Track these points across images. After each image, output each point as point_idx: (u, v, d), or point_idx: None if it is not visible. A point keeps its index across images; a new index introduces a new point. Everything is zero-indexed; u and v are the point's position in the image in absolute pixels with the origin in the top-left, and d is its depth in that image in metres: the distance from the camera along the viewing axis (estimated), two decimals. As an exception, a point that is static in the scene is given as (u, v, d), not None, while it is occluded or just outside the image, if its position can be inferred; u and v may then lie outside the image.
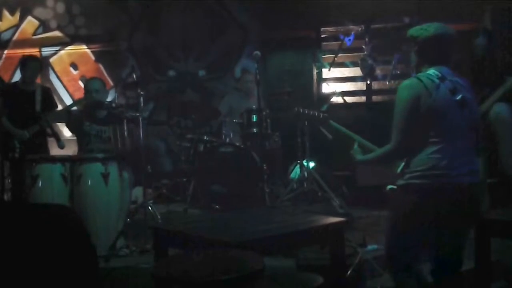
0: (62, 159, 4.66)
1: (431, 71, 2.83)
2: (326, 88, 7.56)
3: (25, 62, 5.71)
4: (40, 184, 4.49)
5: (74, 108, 5.86)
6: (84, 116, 5.19)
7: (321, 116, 4.08)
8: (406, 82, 2.87)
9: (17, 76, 8.01)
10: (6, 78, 7.75)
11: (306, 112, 4.10)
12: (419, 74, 2.86)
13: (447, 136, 2.76)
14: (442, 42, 2.86)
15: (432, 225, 2.79)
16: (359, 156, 3.26)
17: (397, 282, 3.03)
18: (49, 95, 5.85)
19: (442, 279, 2.94)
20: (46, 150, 5.71)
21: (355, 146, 3.37)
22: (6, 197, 6.08)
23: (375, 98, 7.43)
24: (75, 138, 5.36)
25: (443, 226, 2.79)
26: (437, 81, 2.78)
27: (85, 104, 5.24)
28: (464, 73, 4.76)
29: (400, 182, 2.85)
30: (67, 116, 5.48)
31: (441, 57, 2.87)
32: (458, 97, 2.78)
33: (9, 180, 6.61)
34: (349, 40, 7.12)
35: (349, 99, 7.43)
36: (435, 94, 2.74)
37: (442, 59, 2.87)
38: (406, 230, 2.86)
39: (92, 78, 5.56)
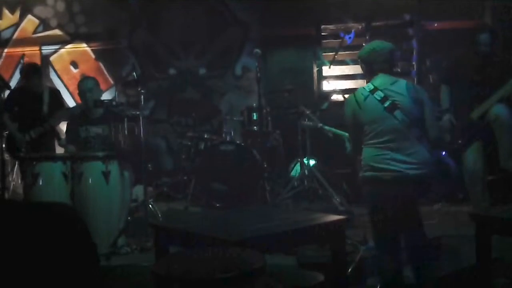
0: (63, 158, 4.67)
1: (368, 86, 3.42)
2: (327, 86, 7.55)
3: (29, 74, 5.72)
4: (41, 183, 4.49)
5: (74, 110, 5.88)
6: (79, 121, 5.16)
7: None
8: (347, 99, 3.57)
9: (17, 75, 8.04)
10: (6, 76, 7.74)
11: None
12: (357, 90, 3.48)
13: (380, 137, 3.31)
14: (376, 57, 3.44)
15: (383, 208, 3.33)
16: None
17: (379, 268, 3.52)
18: (57, 96, 5.87)
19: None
20: (52, 149, 5.73)
21: (347, 142, 4.05)
22: (7, 195, 6.11)
23: (375, 95, 7.42)
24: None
25: (391, 209, 3.29)
26: (366, 93, 3.37)
27: (83, 107, 5.23)
28: (467, 70, 4.79)
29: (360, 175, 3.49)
30: (68, 118, 5.51)
31: (378, 68, 3.44)
32: (387, 104, 3.30)
33: (10, 179, 6.67)
34: (350, 37, 7.10)
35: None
36: (363, 105, 3.37)
37: (380, 70, 3.43)
38: (370, 212, 3.49)
39: (85, 78, 5.53)
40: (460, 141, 4.75)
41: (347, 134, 4.06)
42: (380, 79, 3.42)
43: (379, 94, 3.34)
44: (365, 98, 3.37)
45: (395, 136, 3.30)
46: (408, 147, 3.30)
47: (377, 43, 3.53)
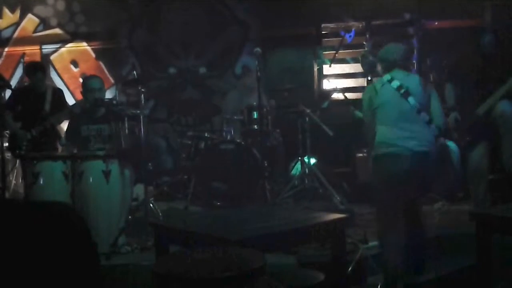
0: (63, 157, 4.67)
1: (386, 77, 3.97)
2: (327, 84, 7.55)
3: (33, 71, 5.72)
4: (41, 182, 4.49)
5: (75, 109, 5.88)
6: (81, 120, 5.17)
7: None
8: (367, 87, 4.31)
9: (17, 74, 8.05)
10: (6, 75, 7.75)
11: None
12: (376, 81, 4.10)
13: (389, 119, 3.86)
14: (394, 55, 4.02)
15: (390, 184, 3.80)
16: (358, 113, 4.78)
17: (383, 264, 3.82)
18: (60, 96, 5.87)
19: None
20: (53, 148, 5.74)
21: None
22: (8, 194, 6.11)
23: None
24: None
25: (398, 184, 3.76)
26: (384, 82, 3.94)
27: (84, 106, 5.23)
28: (468, 68, 4.80)
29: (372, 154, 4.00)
30: (70, 117, 5.51)
31: (395, 65, 3.99)
32: (402, 91, 3.85)
33: (10, 178, 6.68)
34: (350, 36, 7.11)
35: (350, 96, 7.42)
36: (380, 91, 3.92)
37: (397, 66, 3.98)
38: (377, 185, 3.98)
39: (91, 77, 5.53)
40: (467, 138, 4.76)
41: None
42: (397, 73, 3.96)
43: (395, 83, 3.89)
44: (382, 85, 3.94)
45: (407, 118, 3.83)
46: (416, 128, 3.82)
47: (395, 44, 4.24)
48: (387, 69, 4.04)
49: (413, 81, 3.96)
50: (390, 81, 3.92)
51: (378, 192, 4.00)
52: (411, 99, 3.84)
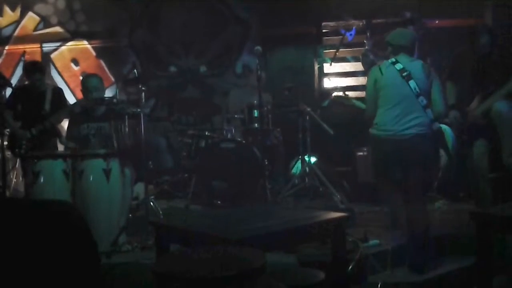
0: (64, 155, 4.67)
1: (390, 59, 4.17)
2: (328, 83, 7.55)
3: (31, 71, 5.72)
4: (41, 180, 4.49)
5: (75, 108, 5.87)
6: (81, 118, 5.16)
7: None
8: (372, 69, 4.30)
9: (18, 73, 8.05)
10: (7, 74, 7.75)
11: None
12: (382, 63, 4.24)
13: (389, 102, 4.07)
14: (402, 39, 4.21)
15: (387, 163, 4.14)
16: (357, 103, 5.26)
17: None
18: (60, 95, 5.86)
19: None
20: (53, 147, 5.74)
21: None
22: (8, 193, 6.12)
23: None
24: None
25: (394, 163, 4.09)
26: (389, 64, 4.14)
27: (84, 105, 5.22)
28: (467, 68, 4.79)
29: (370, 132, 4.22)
30: (70, 116, 5.51)
31: (401, 50, 4.18)
32: (404, 74, 4.04)
33: (11, 177, 6.69)
34: (351, 35, 7.10)
35: (350, 94, 7.41)
36: (385, 72, 4.12)
37: (402, 51, 4.17)
38: (374, 163, 4.36)
39: (90, 76, 5.52)
40: (465, 137, 4.76)
41: (363, 104, 4.98)
42: (402, 57, 4.15)
43: (399, 66, 4.09)
44: (387, 67, 4.14)
45: (406, 101, 4.01)
46: (414, 111, 4.01)
47: (403, 29, 4.58)
48: (394, 53, 4.21)
49: (416, 66, 4.12)
50: (394, 63, 4.11)
51: (376, 170, 4.36)
52: (412, 83, 4.02)
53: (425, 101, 4.04)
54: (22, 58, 8.18)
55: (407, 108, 4.01)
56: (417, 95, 4.01)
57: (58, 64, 8.20)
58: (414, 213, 4.05)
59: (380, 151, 4.19)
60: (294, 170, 6.27)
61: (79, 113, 5.27)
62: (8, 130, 5.64)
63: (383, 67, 4.16)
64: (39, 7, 8.19)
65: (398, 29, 4.43)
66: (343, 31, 7.11)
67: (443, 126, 4.57)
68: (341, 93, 6.87)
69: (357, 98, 6.36)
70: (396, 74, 4.07)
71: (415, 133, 3.98)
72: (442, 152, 4.65)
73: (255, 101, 5.87)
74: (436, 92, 4.14)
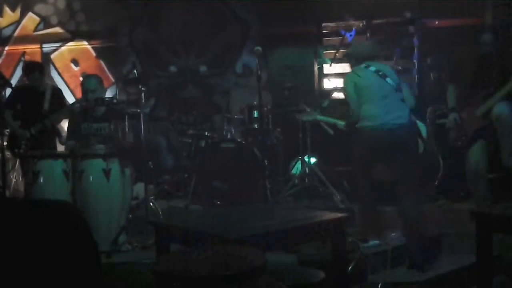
0: (64, 155, 4.67)
1: (362, 65, 4.49)
2: (328, 83, 7.54)
3: (31, 71, 5.72)
4: (41, 180, 4.50)
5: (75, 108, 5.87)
6: (81, 118, 5.16)
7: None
8: (347, 75, 4.64)
9: (18, 73, 8.05)
10: (7, 74, 7.74)
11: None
12: (354, 68, 4.59)
13: (374, 97, 4.34)
14: (363, 51, 4.62)
15: (371, 155, 4.42)
16: (343, 123, 5.21)
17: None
18: (59, 95, 5.87)
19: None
20: (53, 147, 5.74)
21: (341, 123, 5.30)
22: (8, 193, 6.12)
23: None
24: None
25: (379, 155, 4.38)
26: (363, 67, 4.47)
27: (84, 105, 5.22)
28: (468, 68, 4.80)
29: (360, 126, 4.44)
30: (69, 115, 5.51)
31: (363, 60, 4.52)
32: (380, 73, 4.40)
33: (11, 177, 6.68)
34: (351, 35, 7.09)
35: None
36: (362, 75, 4.44)
37: (367, 60, 4.52)
38: (357, 155, 4.55)
39: (88, 77, 5.49)
40: (464, 138, 4.77)
41: (340, 122, 5.34)
42: (370, 62, 4.50)
43: (372, 68, 4.44)
44: (362, 70, 4.46)
45: (388, 96, 4.33)
46: (395, 105, 4.34)
47: (361, 42, 5.14)
48: (357, 63, 4.56)
49: (385, 67, 4.56)
50: (367, 67, 4.46)
51: (357, 161, 4.58)
52: (389, 80, 4.38)
53: (402, 95, 4.41)
54: (22, 59, 8.17)
55: (391, 101, 4.33)
56: (396, 90, 4.37)
57: (58, 65, 8.20)
58: (409, 209, 4.14)
59: (368, 144, 4.39)
60: (294, 170, 6.27)
61: (79, 113, 5.27)
62: (7, 130, 5.64)
63: (358, 71, 4.48)
64: (39, 7, 8.19)
65: (356, 41, 5.01)
66: (343, 32, 7.11)
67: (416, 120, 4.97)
68: (341, 94, 6.88)
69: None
70: (373, 74, 4.41)
71: (401, 123, 4.29)
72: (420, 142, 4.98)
73: (255, 102, 5.87)
74: (405, 90, 4.54)
